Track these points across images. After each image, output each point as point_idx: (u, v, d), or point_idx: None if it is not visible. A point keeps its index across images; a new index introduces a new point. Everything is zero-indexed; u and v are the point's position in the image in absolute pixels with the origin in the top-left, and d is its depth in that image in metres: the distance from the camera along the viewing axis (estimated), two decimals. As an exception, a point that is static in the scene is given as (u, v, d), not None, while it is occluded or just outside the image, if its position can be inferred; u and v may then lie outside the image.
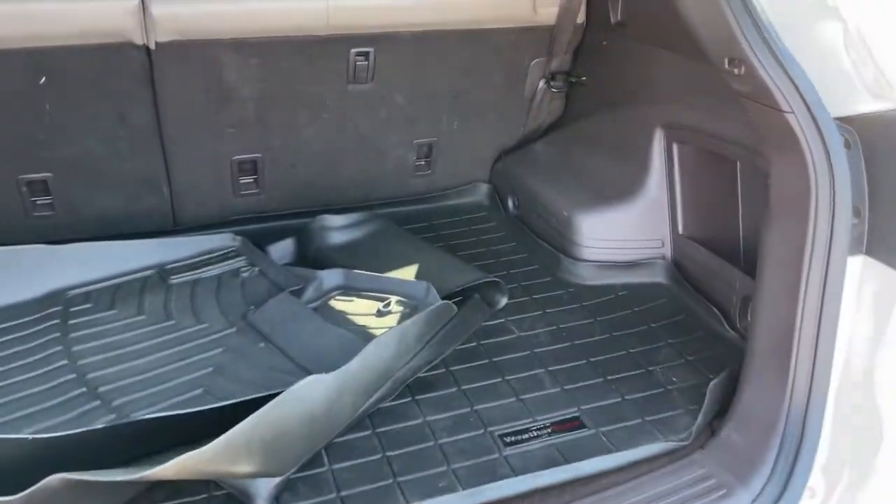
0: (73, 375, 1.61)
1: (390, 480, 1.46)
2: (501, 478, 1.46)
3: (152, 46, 1.95)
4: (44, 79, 1.93)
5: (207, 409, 1.34)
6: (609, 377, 1.77)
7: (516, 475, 1.47)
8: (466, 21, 2.22)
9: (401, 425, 1.61)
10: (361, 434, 1.58)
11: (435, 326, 1.72)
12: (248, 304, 1.90)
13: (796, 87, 1.34)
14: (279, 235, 2.28)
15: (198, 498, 1.41)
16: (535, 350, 1.88)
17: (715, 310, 1.97)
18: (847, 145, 1.37)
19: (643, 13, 2.14)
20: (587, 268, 2.18)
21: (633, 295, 2.10)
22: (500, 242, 2.41)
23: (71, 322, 1.80)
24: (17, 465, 1.18)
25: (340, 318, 1.85)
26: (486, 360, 1.83)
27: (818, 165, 1.35)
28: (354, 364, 1.43)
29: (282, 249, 2.20)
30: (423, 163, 2.53)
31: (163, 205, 2.29)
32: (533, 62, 2.41)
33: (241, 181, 2.33)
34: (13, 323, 1.77)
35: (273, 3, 2.00)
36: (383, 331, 1.72)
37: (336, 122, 2.30)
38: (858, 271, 1.40)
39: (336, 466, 1.49)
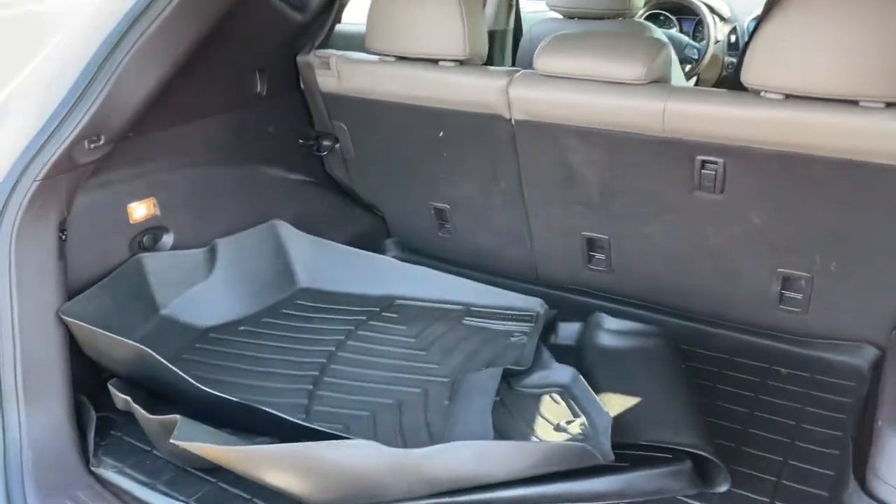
0: (325, 361, 2.07)
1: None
2: None
3: (513, 121, 2.21)
4: (441, 132, 2.40)
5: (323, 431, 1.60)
6: None
7: None
8: (839, 150, 1.78)
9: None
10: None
11: (552, 465, 1.57)
12: (485, 364, 2.04)
13: None
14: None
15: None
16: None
17: None
18: None
19: None
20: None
21: None
22: (829, 425, 1.89)
23: (370, 322, 2.26)
24: None
25: (525, 414, 1.83)
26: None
27: None
28: (418, 452, 1.50)
29: (570, 330, 2.22)
30: (791, 296, 2.13)
31: (527, 257, 2.56)
32: (952, 213, 1.76)
33: (592, 255, 2.41)
34: (345, 307, 2.33)
35: (606, 100, 2.01)
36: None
37: (681, 225, 2.16)
38: None
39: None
